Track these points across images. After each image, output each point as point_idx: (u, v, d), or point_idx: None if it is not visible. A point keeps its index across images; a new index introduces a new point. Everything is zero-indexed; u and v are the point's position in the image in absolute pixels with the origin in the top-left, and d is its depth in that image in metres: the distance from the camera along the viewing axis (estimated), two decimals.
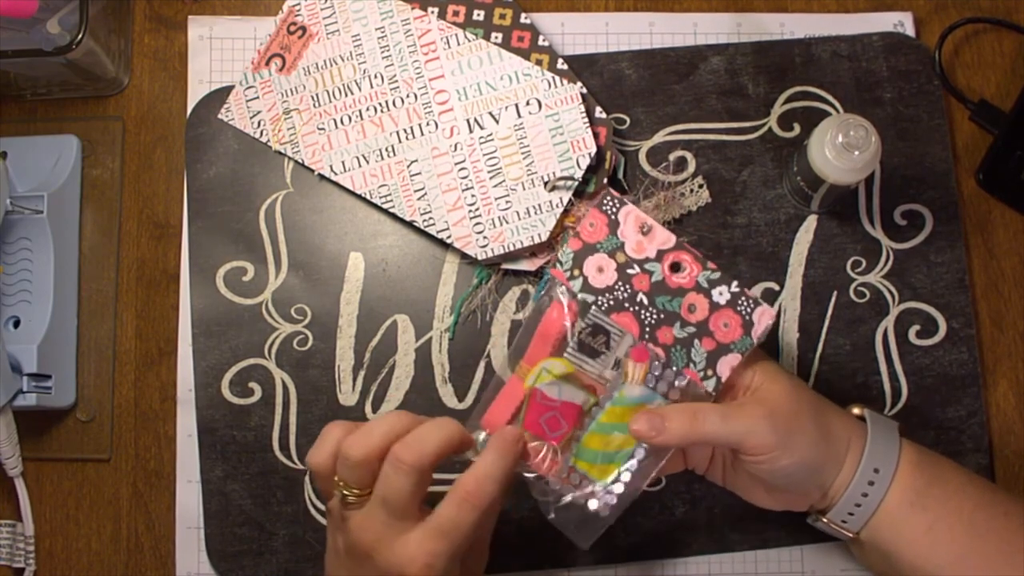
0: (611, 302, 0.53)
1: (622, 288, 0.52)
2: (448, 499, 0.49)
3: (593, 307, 0.53)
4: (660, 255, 0.53)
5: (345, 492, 0.50)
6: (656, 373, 0.53)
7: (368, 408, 0.65)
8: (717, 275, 0.52)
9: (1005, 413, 0.66)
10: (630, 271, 0.52)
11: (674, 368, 0.53)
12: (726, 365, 0.52)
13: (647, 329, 0.52)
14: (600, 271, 0.52)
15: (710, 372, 0.53)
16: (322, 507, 0.64)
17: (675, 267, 0.53)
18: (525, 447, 0.52)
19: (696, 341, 0.52)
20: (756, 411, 0.51)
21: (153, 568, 0.65)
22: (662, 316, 0.52)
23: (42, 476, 0.66)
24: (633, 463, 0.53)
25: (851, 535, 0.54)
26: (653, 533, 0.64)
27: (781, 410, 0.51)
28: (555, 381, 0.53)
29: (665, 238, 0.52)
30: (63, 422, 0.66)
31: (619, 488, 0.53)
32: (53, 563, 0.66)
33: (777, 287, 0.66)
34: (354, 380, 0.65)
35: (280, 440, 0.65)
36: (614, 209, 0.52)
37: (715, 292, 0.52)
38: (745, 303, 0.52)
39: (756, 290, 0.66)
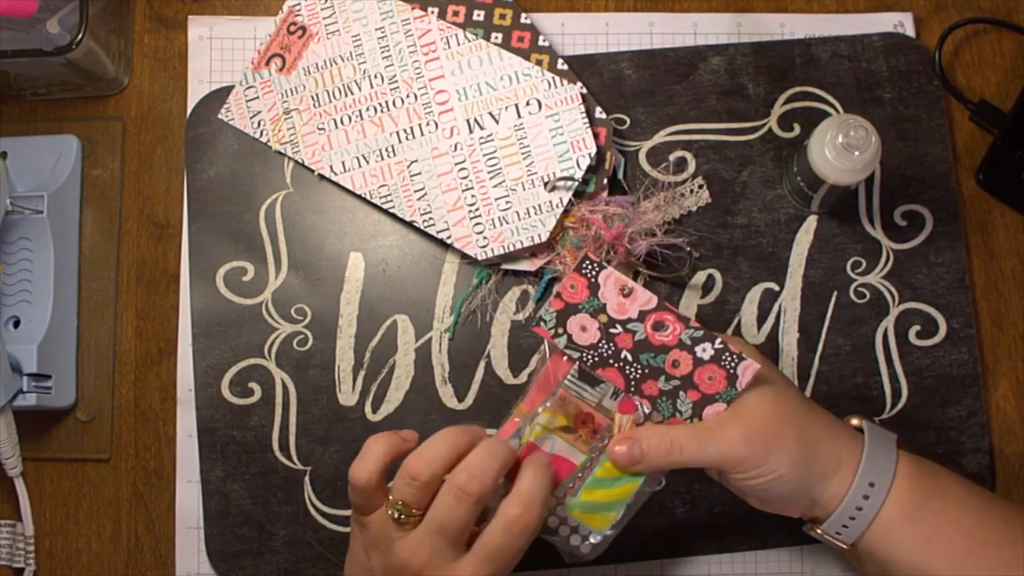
0: (596, 358, 0.54)
1: (606, 346, 0.54)
2: (495, 525, 0.49)
3: (578, 362, 0.54)
4: (642, 316, 0.53)
5: (400, 511, 0.50)
6: (640, 423, 0.54)
7: (368, 408, 0.65)
8: (700, 332, 0.53)
9: (1005, 413, 0.66)
10: (612, 331, 0.53)
11: (662, 417, 0.53)
12: (711, 413, 0.53)
13: (632, 383, 0.54)
14: (583, 330, 0.54)
15: (696, 421, 0.53)
16: (322, 507, 0.64)
17: (658, 326, 0.53)
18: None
19: (681, 392, 0.53)
20: (733, 433, 0.51)
21: (153, 568, 0.65)
22: (647, 371, 0.54)
23: (42, 476, 0.66)
24: (629, 508, 0.54)
25: (845, 547, 0.53)
26: (653, 533, 0.64)
27: (761, 429, 0.51)
28: (546, 434, 0.54)
29: (647, 299, 0.53)
30: (63, 422, 0.66)
31: (613, 532, 0.54)
32: (53, 563, 0.66)
33: (777, 287, 0.66)
34: (354, 380, 0.65)
35: (280, 440, 0.65)
36: (594, 272, 0.54)
37: (698, 349, 0.53)
38: (729, 358, 0.53)
39: (756, 290, 0.66)
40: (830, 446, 0.52)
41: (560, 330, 0.54)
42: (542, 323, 0.54)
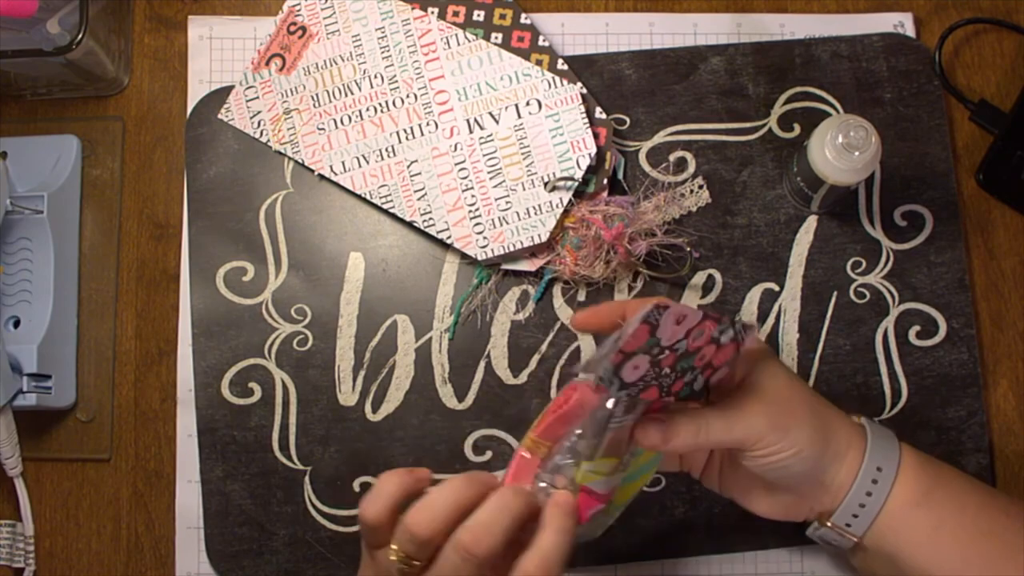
0: (641, 387, 0.51)
1: (651, 371, 0.50)
2: None
3: (625, 395, 0.51)
4: (688, 332, 0.50)
5: (402, 563, 0.47)
6: None
7: (368, 408, 0.65)
8: (726, 325, 0.52)
9: (1005, 413, 0.66)
10: (660, 356, 0.50)
11: (676, 399, 0.53)
12: (715, 379, 0.53)
13: (665, 389, 0.52)
14: (635, 368, 0.49)
15: (702, 385, 0.53)
16: (322, 507, 0.64)
17: (696, 335, 0.51)
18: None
19: (699, 376, 0.53)
20: (755, 408, 0.52)
21: (153, 568, 0.65)
22: (679, 375, 0.52)
23: (42, 476, 0.66)
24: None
25: (855, 539, 0.53)
26: (653, 533, 0.64)
27: (779, 405, 0.52)
28: (604, 479, 0.51)
29: (693, 318, 0.50)
30: (63, 422, 0.66)
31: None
32: (53, 563, 0.66)
33: (777, 287, 0.66)
34: (354, 380, 0.65)
35: (280, 440, 0.65)
36: (657, 316, 0.48)
37: (723, 338, 0.52)
38: (742, 332, 0.52)
39: (756, 290, 0.66)
40: (840, 429, 0.53)
41: (613, 379, 0.49)
42: (600, 381, 0.49)
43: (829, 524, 0.54)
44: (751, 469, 0.53)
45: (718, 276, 0.66)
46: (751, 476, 0.54)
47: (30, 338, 0.64)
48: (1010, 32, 0.70)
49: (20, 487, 0.65)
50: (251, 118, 0.67)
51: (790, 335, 0.65)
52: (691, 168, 0.67)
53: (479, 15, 0.66)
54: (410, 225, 0.65)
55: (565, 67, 0.66)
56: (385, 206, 0.65)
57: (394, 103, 0.65)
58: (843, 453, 0.53)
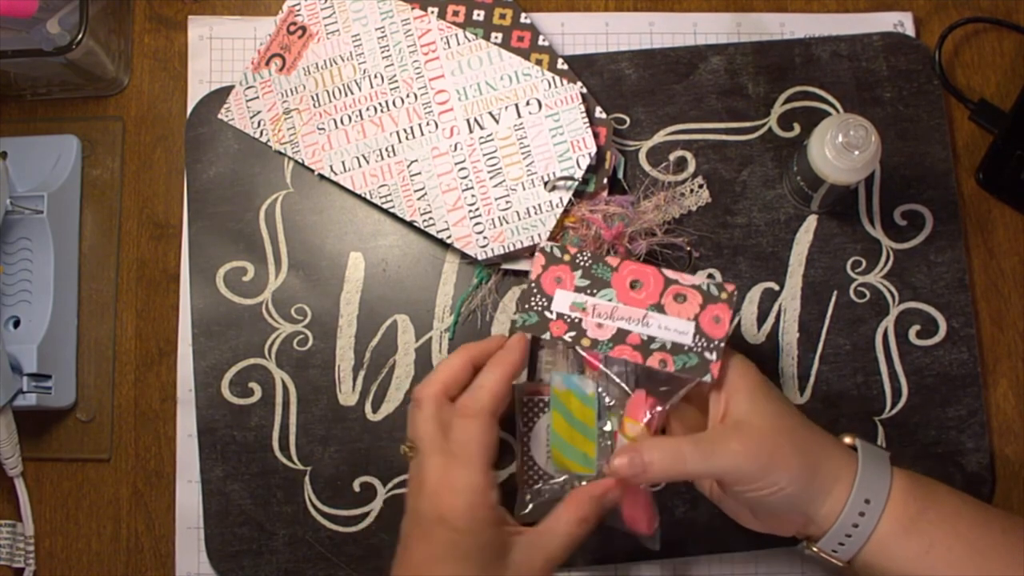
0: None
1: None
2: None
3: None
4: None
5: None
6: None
7: (368, 408, 0.65)
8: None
9: (1005, 413, 0.66)
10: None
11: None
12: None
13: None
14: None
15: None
16: (322, 507, 0.64)
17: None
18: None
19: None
20: (737, 447, 0.51)
21: (153, 568, 0.65)
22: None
23: (42, 476, 0.66)
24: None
25: (842, 564, 0.53)
26: None
27: (763, 444, 0.51)
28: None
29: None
30: (63, 422, 0.66)
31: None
32: (53, 563, 0.66)
33: (777, 287, 0.66)
34: (354, 380, 0.65)
35: (280, 440, 0.65)
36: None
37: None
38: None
39: (756, 290, 0.66)
40: (828, 464, 0.53)
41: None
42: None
43: (815, 548, 0.53)
44: (730, 496, 0.54)
45: (718, 276, 0.66)
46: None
47: (30, 338, 0.64)
48: (1010, 32, 0.70)
49: (20, 487, 0.65)
50: (251, 118, 0.67)
51: (790, 335, 0.65)
52: (691, 168, 0.67)
53: (479, 15, 0.66)
54: (410, 225, 0.65)
55: (565, 67, 0.66)
56: (385, 206, 0.65)
57: (394, 103, 0.65)
58: (828, 489, 0.52)
